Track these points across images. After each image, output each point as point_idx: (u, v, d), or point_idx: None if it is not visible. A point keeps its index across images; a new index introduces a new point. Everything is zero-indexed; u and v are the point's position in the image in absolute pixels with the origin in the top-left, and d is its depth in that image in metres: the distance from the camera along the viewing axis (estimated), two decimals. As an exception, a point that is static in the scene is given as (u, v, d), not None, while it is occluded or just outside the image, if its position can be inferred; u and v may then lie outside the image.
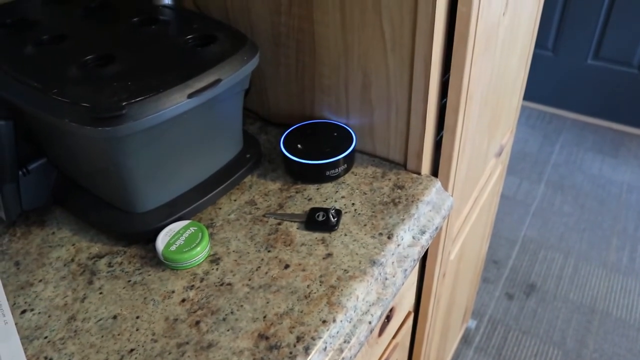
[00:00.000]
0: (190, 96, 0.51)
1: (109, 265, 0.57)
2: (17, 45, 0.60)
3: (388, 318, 0.68)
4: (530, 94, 2.58)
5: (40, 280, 0.56)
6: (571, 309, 1.65)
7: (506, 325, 1.61)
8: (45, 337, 0.50)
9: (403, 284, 0.57)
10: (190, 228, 0.57)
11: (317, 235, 0.59)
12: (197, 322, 0.50)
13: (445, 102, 0.63)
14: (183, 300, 0.52)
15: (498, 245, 1.88)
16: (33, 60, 0.57)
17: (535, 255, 1.84)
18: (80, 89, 0.51)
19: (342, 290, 0.52)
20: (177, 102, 0.50)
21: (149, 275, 0.55)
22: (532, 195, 2.09)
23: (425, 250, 0.61)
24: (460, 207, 0.81)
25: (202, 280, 0.54)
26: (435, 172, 0.69)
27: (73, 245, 0.60)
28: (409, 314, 0.78)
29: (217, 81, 0.53)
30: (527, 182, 2.15)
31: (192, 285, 0.54)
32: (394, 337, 0.74)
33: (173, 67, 0.54)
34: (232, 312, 0.51)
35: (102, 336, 0.50)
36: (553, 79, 2.48)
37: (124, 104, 0.48)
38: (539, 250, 1.85)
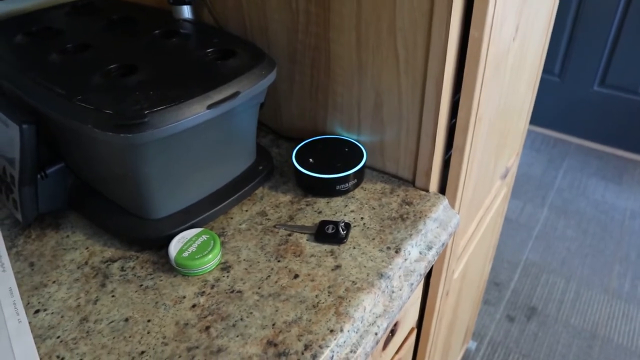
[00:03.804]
0: (209, 107, 0.53)
1: (122, 269, 0.58)
2: (42, 52, 0.62)
3: (392, 332, 0.69)
4: (536, 118, 2.61)
5: (54, 282, 0.57)
6: (572, 334, 1.65)
7: (506, 347, 1.61)
8: (58, 337, 0.51)
9: (409, 297, 0.58)
10: (203, 236, 0.59)
11: (327, 247, 0.60)
12: (207, 328, 0.51)
13: (455, 122, 0.65)
14: (194, 306, 0.54)
15: (500, 268, 1.88)
16: (57, 68, 0.59)
17: (537, 279, 1.84)
18: (103, 97, 0.53)
19: (349, 301, 0.53)
20: (197, 112, 0.52)
21: (161, 280, 0.57)
22: (535, 218, 2.10)
23: (431, 265, 0.62)
24: (465, 226, 0.82)
25: (212, 287, 0.56)
26: (442, 190, 0.70)
27: (87, 248, 0.61)
28: (412, 330, 0.79)
29: (236, 94, 0.55)
30: (530, 205, 2.16)
31: (203, 292, 0.55)
32: (397, 352, 0.75)
33: (193, 78, 0.56)
34: (241, 319, 0.52)
35: (114, 338, 0.51)
36: (559, 104, 2.50)
37: (146, 112, 0.50)
38: (541, 274, 1.86)
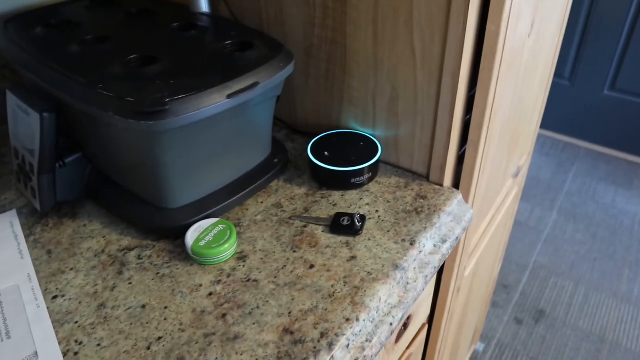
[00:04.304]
0: (229, 96, 0.53)
1: (139, 257, 0.59)
2: (63, 44, 0.63)
3: (405, 326, 0.69)
4: (546, 121, 2.60)
5: (72, 269, 0.58)
6: (580, 337, 1.64)
7: (514, 350, 1.60)
8: (76, 322, 0.52)
9: (423, 289, 0.58)
10: (219, 226, 0.59)
11: (342, 238, 0.60)
12: (224, 315, 0.52)
13: (470, 117, 0.65)
14: (210, 294, 0.54)
15: (509, 270, 1.88)
16: (78, 58, 0.60)
17: (546, 282, 1.83)
18: (124, 85, 0.53)
19: (365, 291, 0.54)
20: (216, 101, 0.52)
21: (177, 268, 0.57)
22: (544, 222, 2.09)
23: (445, 258, 0.62)
24: (477, 223, 0.82)
25: (229, 275, 0.56)
26: (456, 185, 0.70)
27: (104, 237, 0.62)
28: (423, 325, 0.79)
29: (255, 84, 0.55)
30: (539, 208, 2.16)
31: (219, 280, 0.55)
32: (408, 347, 0.75)
33: (212, 69, 0.57)
34: (257, 307, 0.52)
35: (131, 323, 0.51)
36: (569, 108, 2.49)
37: (167, 100, 0.50)
38: (550, 277, 1.85)
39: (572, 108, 2.49)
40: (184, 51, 0.61)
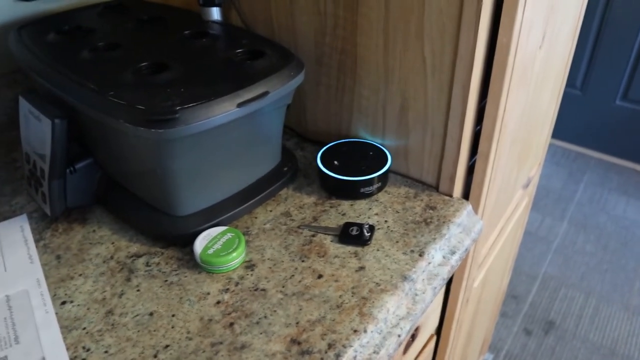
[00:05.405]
0: (239, 105, 0.53)
1: (147, 264, 0.59)
2: (75, 50, 0.63)
3: (413, 337, 0.68)
4: (557, 131, 2.59)
5: (80, 275, 0.58)
6: (591, 350, 1.62)
7: (523, 361, 1.59)
8: (84, 328, 0.52)
9: (432, 301, 0.58)
10: (228, 234, 0.59)
11: (350, 248, 0.60)
12: (231, 324, 0.52)
13: (480, 128, 0.65)
14: (218, 302, 0.54)
15: (518, 281, 1.86)
16: (89, 65, 0.60)
17: (556, 292, 1.82)
18: (135, 93, 0.54)
19: (373, 302, 0.53)
20: (226, 110, 0.53)
21: (185, 276, 0.57)
22: (554, 232, 2.07)
23: (454, 270, 0.62)
24: (487, 234, 0.81)
25: (237, 284, 0.56)
26: (466, 196, 0.70)
27: (112, 243, 0.62)
28: (431, 336, 0.79)
29: (265, 93, 0.56)
30: (549, 218, 2.14)
31: (227, 289, 0.55)
32: (416, 358, 0.75)
33: (223, 77, 0.57)
34: (265, 317, 0.52)
35: (139, 331, 0.51)
36: (580, 117, 2.48)
37: (177, 108, 0.50)
38: (559, 288, 1.83)
39: (584, 118, 2.47)
40: (195, 59, 0.61)
